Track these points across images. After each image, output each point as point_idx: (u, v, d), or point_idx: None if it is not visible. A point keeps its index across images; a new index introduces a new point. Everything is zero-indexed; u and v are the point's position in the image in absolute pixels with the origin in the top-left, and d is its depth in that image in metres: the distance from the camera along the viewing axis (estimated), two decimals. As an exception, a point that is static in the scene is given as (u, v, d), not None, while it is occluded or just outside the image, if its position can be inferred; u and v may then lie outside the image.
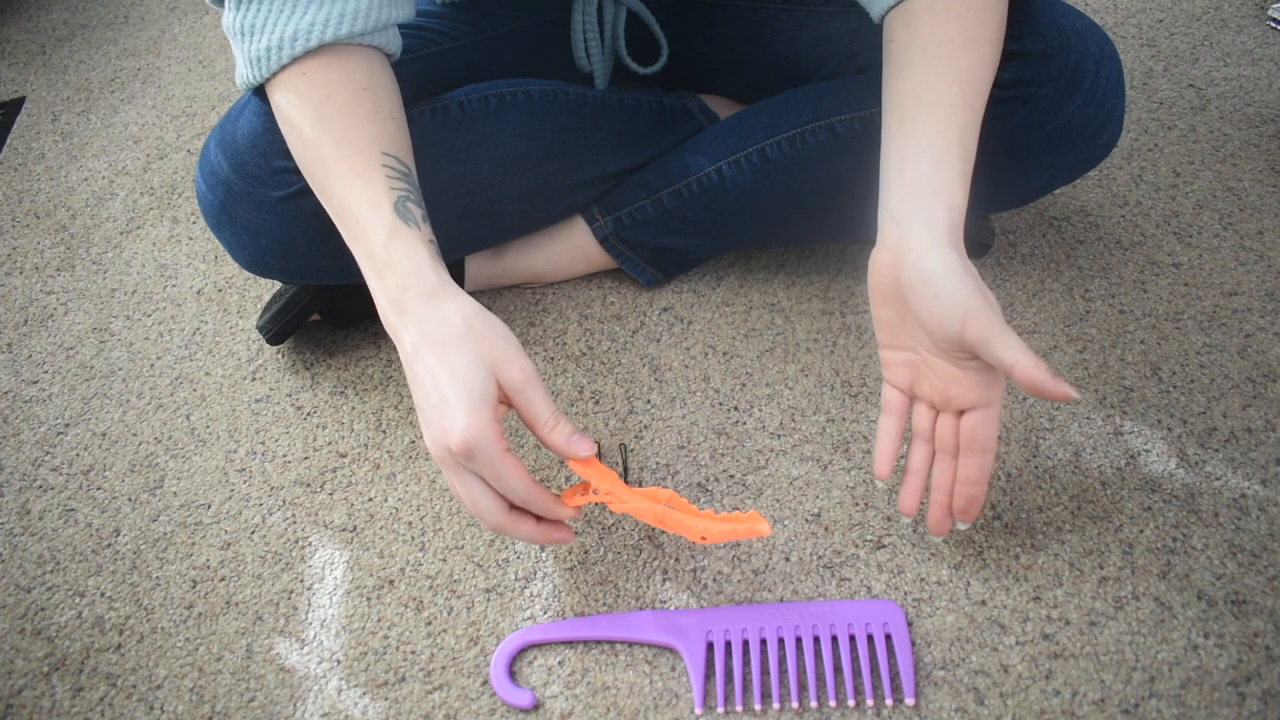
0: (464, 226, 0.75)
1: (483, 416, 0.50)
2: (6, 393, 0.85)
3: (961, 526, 0.58)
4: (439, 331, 0.53)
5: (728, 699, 0.57)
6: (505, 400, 0.53)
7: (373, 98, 0.60)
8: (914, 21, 0.59)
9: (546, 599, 0.63)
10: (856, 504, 0.66)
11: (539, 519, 0.56)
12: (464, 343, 0.52)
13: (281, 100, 0.60)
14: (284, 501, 0.72)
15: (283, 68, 0.60)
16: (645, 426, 0.74)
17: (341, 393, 0.80)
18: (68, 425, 0.81)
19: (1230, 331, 0.75)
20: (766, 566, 0.64)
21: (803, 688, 0.57)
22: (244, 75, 0.62)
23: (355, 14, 0.59)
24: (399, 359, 0.81)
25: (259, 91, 0.65)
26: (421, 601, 0.65)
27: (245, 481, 0.74)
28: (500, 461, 0.51)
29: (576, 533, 0.67)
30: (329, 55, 0.60)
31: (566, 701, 0.58)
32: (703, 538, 0.54)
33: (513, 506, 0.54)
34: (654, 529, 0.66)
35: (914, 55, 0.58)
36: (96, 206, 1.05)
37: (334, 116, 0.59)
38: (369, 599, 0.65)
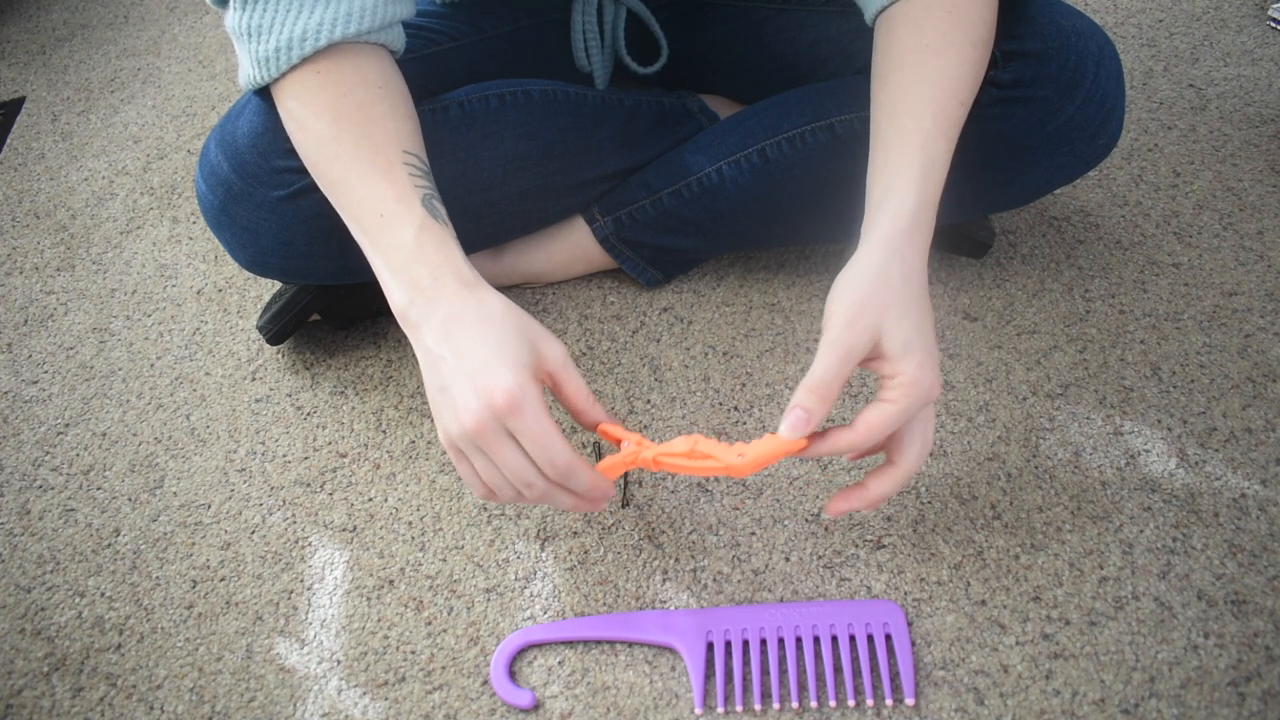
0: (464, 226, 0.74)
1: (527, 375, 0.51)
2: (6, 393, 0.85)
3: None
4: (479, 310, 0.53)
5: (728, 699, 0.57)
6: (541, 379, 0.54)
7: (389, 96, 0.60)
8: (894, 29, 0.59)
9: (546, 599, 0.63)
10: (856, 504, 0.66)
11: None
12: (506, 319, 0.53)
13: (292, 100, 0.60)
14: (284, 501, 0.72)
15: (292, 67, 0.60)
16: (645, 426, 0.73)
17: (341, 393, 0.80)
18: (68, 425, 0.81)
19: (1230, 331, 0.75)
20: (766, 566, 0.64)
21: (803, 688, 0.57)
22: (250, 75, 0.61)
23: (363, 12, 0.59)
24: (399, 359, 0.81)
25: (261, 91, 0.65)
26: (421, 601, 0.65)
27: (245, 481, 0.74)
28: (547, 419, 0.51)
29: (576, 533, 0.67)
30: (340, 54, 0.60)
31: (566, 701, 0.58)
32: (740, 455, 0.53)
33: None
34: (654, 529, 0.66)
35: (890, 64, 0.59)
36: (96, 206, 1.05)
37: (353, 115, 0.58)
38: (369, 599, 0.65)
